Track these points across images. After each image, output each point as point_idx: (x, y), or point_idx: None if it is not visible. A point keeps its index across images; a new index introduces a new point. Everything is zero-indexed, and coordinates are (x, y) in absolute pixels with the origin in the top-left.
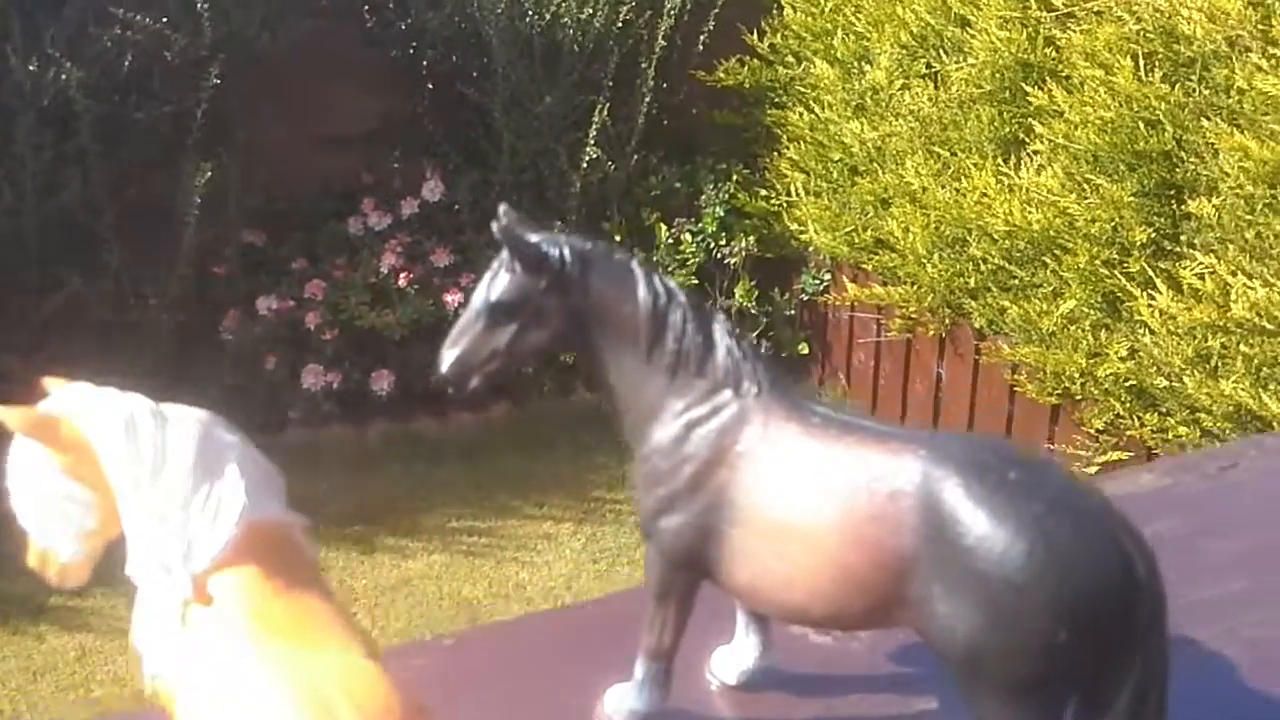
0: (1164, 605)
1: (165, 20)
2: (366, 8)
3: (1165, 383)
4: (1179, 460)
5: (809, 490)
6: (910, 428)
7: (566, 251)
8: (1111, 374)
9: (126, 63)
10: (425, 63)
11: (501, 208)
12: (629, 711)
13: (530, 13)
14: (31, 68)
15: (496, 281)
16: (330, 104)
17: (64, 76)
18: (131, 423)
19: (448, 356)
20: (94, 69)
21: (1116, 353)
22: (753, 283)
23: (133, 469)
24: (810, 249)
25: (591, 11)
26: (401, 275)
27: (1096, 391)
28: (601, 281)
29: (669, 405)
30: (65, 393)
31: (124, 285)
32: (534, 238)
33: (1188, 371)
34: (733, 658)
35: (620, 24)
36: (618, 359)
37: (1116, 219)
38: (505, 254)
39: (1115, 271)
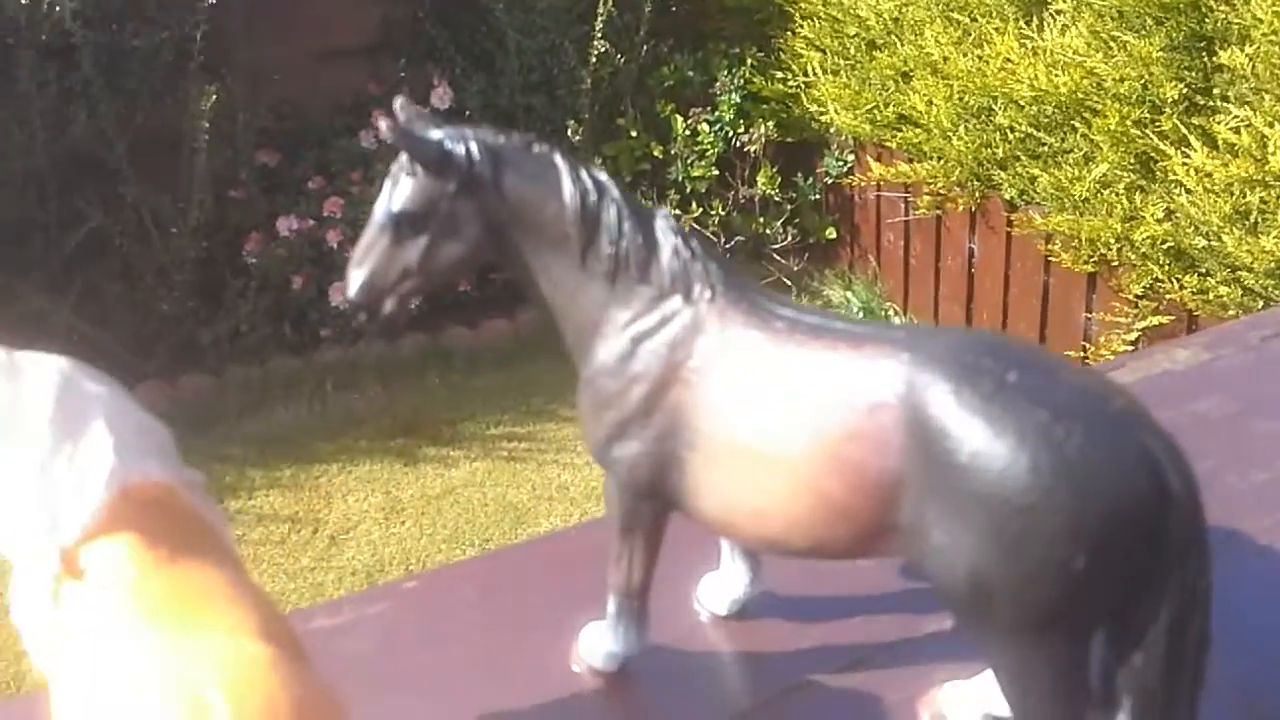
0: (1202, 519)
1: None
2: None
3: (1204, 242)
4: (1218, 331)
5: (776, 407)
6: (893, 325)
7: (474, 147)
8: (1148, 237)
9: None
10: None
11: (397, 101)
12: (606, 654)
13: None
14: (24, 1)
15: (398, 189)
16: (329, 17)
17: (58, 8)
18: None
19: (354, 278)
20: None
21: (1153, 215)
22: (775, 169)
23: None
24: (832, 130)
25: None
26: None
27: (1134, 256)
28: (519, 180)
29: (612, 318)
30: None
31: (144, 216)
32: (435, 134)
33: (1226, 229)
34: (721, 585)
35: None
36: (547, 268)
37: (1146, 76)
38: (404, 157)
39: (1147, 131)
